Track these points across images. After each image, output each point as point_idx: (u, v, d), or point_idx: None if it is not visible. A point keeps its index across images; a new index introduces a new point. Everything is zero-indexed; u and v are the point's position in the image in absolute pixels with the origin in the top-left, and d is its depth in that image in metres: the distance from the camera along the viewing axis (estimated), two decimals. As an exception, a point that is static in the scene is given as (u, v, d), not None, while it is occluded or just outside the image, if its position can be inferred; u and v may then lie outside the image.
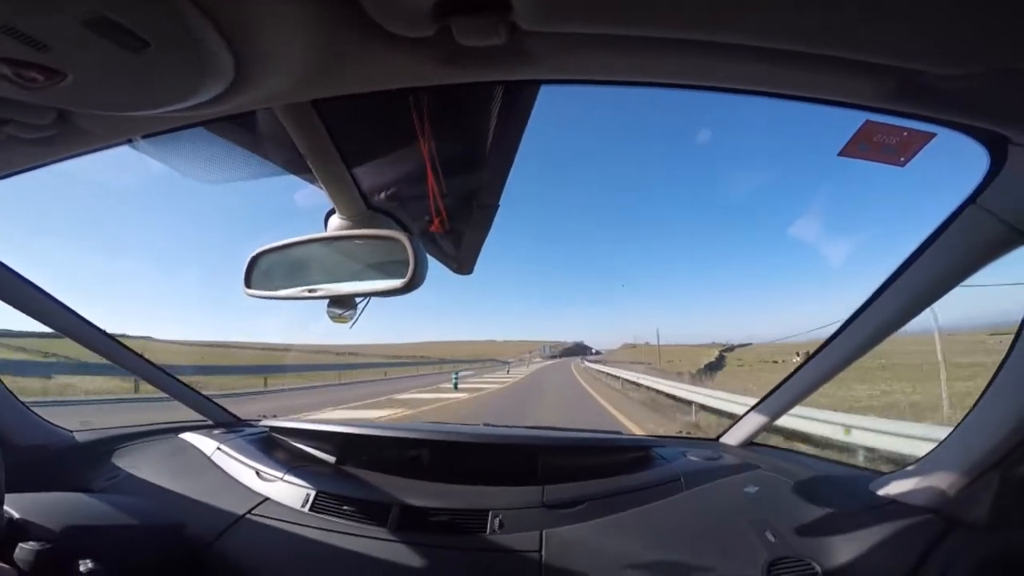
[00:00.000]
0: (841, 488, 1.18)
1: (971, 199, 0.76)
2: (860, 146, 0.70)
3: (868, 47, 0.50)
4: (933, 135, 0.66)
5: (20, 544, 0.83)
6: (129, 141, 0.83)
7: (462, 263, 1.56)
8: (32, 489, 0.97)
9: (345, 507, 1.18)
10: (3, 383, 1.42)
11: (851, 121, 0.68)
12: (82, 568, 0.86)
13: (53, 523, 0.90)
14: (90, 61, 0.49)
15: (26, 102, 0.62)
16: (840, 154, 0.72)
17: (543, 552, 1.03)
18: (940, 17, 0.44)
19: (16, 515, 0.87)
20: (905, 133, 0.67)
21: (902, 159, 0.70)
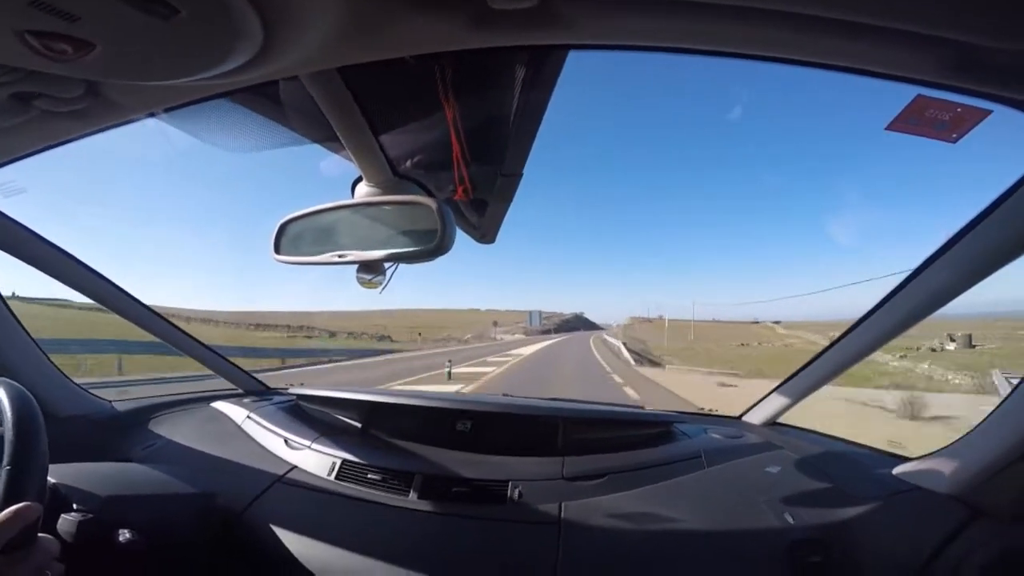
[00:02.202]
0: (864, 471, 1.16)
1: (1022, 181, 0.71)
2: (910, 120, 0.66)
3: (925, 19, 0.46)
4: (989, 112, 0.62)
5: (63, 515, 0.86)
6: (155, 113, 0.83)
7: (485, 232, 1.56)
8: (73, 459, 1.02)
9: (369, 475, 1.22)
10: (45, 354, 1.48)
11: (894, 94, 0.64)
12: (121, 538, 0.89)
13: (94, 493, 0.93)
14: (120, 30, 0.49)
15: (55, 75, 0.62)
16: (888, 128, 0.68)
17: (562, 523, 1.04)
18: None
19: (59, 487, 0.89)
20: (959, 109, 0.63)
21: (954, 135, 0.66)
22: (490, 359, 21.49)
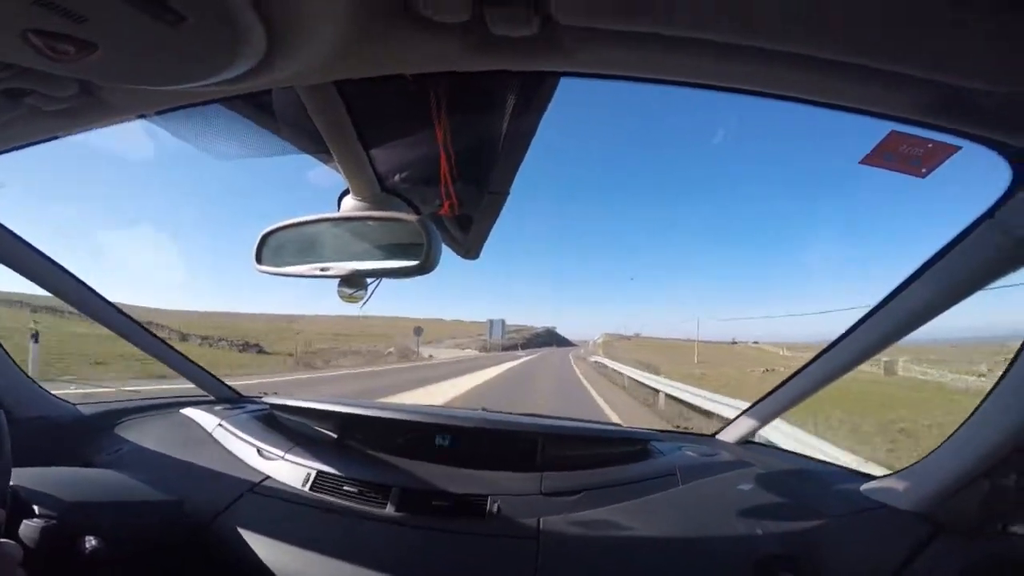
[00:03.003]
0: (833, 489, 1.19)
1: (988, 213, 0.76)
2: (885, 156, 0.70)
3: (905, 60, 0.49)
4: (958, 148, 0.66)
5: (25, 520, 0.82)
6: (146, 115, 0.82)
7: (469, 248, 1.56)
8: (35, 463, 0.97)
9: (345, 487, 1.19)
10: (7, 352, 1.41)
11: (863, 127, 0.68)
12: (86, 545, 0.86)
13: (57, 499, 0.89)
14: (125, 34, 0.49)
15: (49, 73, 0.61)
16: (862, 162, 0.72)
17: (540, 539, 1.04)
18: (982, 34, 0.44)
19: (21, 490, 0.86)
20: (931, 145, 0.67)
21: (924, 170, 0.70)
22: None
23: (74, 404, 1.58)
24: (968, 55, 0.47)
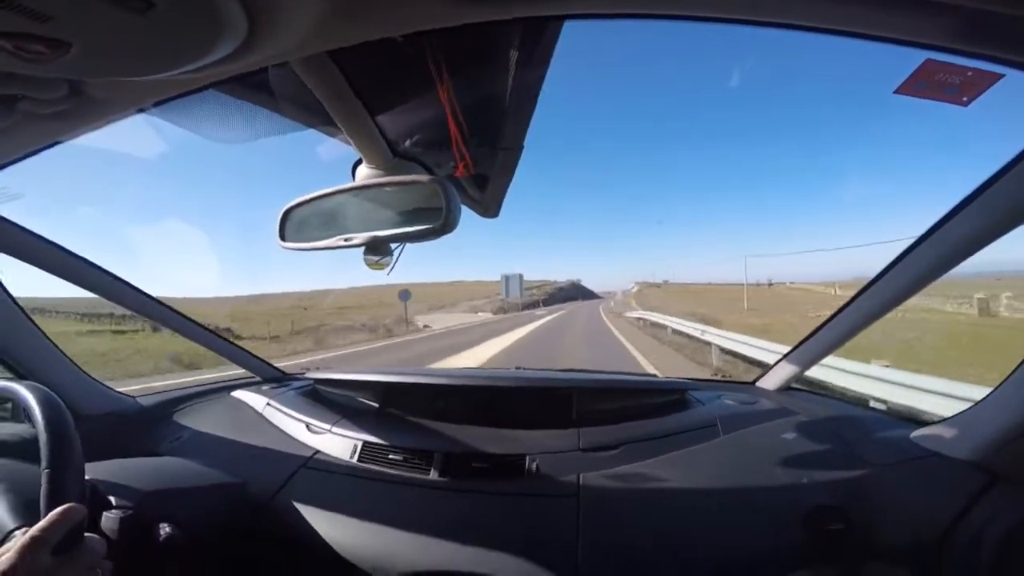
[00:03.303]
0: (881, 437, 1.15)
1: None
2: (919, 84, 0.63)
3: None
4: (1001, 75, 0.59)
5: (104, 513, 0.86)
6: (144, 108, 0.82)
7: (487, 206, 1.55)
8: (104, 456, 1.02)
9: (390, 456, 1.24)
10: (65, 354, 1.48)
11: (900, 58, 0.61)
12: (161, 533, 0.90)
13: (132, 489, 0.93)
14: (95, 28, 0.48)
15: (36, 76, 0.61)
16: (896, 91, 0.65)
17: (580, 495, 1.05)
18: None
19: (97, 484, 0.90)
20: (970, 72, 0.60)
21: (965, 99, 0.63)
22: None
23: (134, 396, 1.65)
24: None
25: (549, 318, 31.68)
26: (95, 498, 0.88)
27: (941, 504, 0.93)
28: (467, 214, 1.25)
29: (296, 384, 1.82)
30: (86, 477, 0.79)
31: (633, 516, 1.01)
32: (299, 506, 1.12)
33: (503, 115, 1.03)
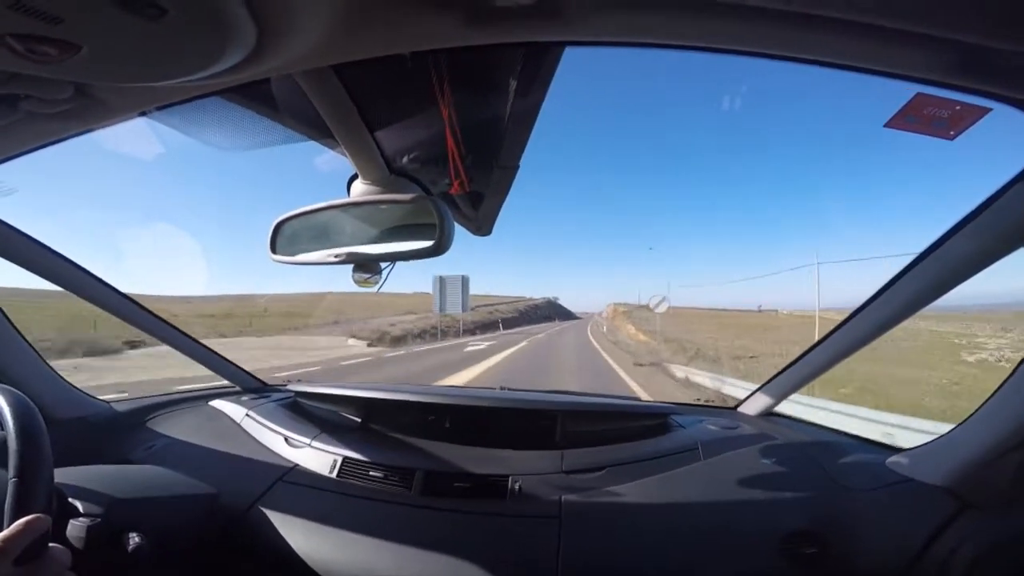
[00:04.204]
0: (858, 462, 1.17)
1: (1021, 176, 0.71)
2: (908, 118, 0.66)
3: (926, 19, 0.46)
4: (988, 109, 0.62)
5: (71, 521, 0.83)
6: (146, 112, 0.81)
7: (481, 224, 1.56)
8: (75, 462, 0.99)
9: (371, 472, 1.21)
10: (41, 357, 1.45)
11: (892, 90, 0.62)
12: (130, 543, 0.87)
13: (100, 497, 0.90)
14: (105, 32, 0.48)
15: (42, 77, 0.60)
16: (887, 125, 0.68)
17: (562, 517, 1.04)
18: None
19: (65, 491, 0.87)
20: (958, 107, 0.63)
21: (952, 132, 0.66)
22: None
23: (108, 402, 1.60)
24: (990, 12, 0.44)
25: (497, 358, 16.08)
26: (63, 505, 0.85)
27: (912, 529, 0.95)
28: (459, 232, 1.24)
29: (277, 396, 1.78)
30: (55, 482, 0.76)
31: (614, 539, 1.01)
32: (275, 520, 1.09)
33: (502, 134, 1.05)
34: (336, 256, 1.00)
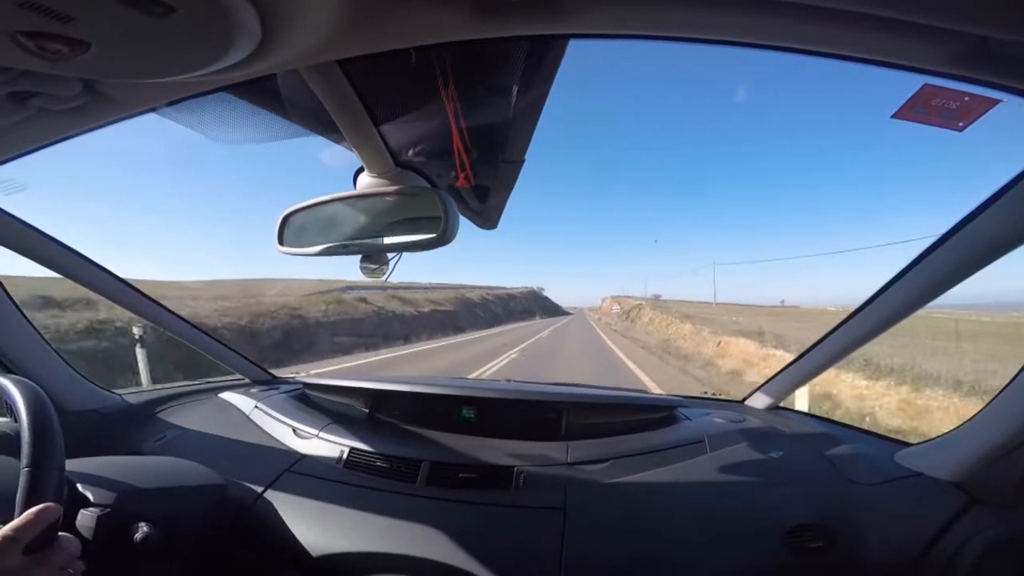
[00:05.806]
0: (866, 457, 1.16)
1: None
2: (916, 109, 0.65)
3: (934, 11, 0.45)
4: (998, 100, 0.61)
5: (81, 511, 0.85)
6: (155, 108, 0.83)
7: (486, 218, 1.56)
8: (87, 453, 1.01)
9: (377, 463, 1.23)
10: (53, 348, 1.47)
11: (899, 82, 0.61)
12: (138, 533, 0.89)
13: (110, 487, 0.92)
14: (115, 30, 0.49)
15: (51, 74, 0.62)
16: (894, 116, 0.67)
17: (567, 508, 1.05)
18: None
19: (76, 481, 0.88)
20: (967, 98, 0.62)
21: (961, 124, 0.65)
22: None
23: (120, 394, 1.63)
24: (1000, 4, 0.43)
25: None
26: (73, 495, 0.87)
27: (920, 524, 0.95)
28: (465, 224, 1.25)
29: (286, 388, 1.81)
30: (66, 472, 0.78)
31: (618, 530, 1.01)
32: (282, 510, 1.10)
33: (507, 128, 1.05)
34: (344, 247, 1.02)
